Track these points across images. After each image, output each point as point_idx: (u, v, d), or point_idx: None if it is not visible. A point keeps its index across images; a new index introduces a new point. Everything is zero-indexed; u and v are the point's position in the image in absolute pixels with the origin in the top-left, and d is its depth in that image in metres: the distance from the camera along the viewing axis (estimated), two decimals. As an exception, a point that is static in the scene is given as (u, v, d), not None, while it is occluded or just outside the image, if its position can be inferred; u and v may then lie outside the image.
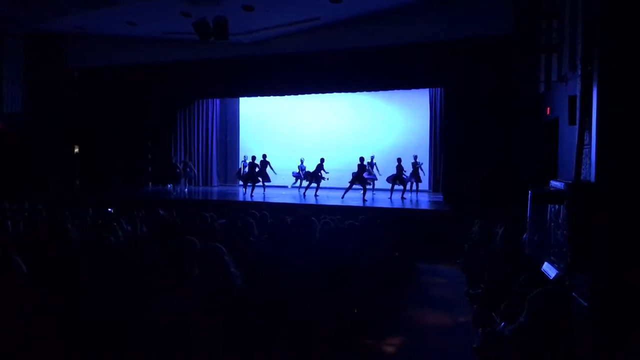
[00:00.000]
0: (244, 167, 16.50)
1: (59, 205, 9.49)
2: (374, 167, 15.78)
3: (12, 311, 2.35)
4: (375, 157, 16.06)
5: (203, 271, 3.33)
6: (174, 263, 3.51)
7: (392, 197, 14.54)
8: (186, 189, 16.87)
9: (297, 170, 16.87)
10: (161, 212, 7.89)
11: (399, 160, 14.85)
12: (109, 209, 9.09)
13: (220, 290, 3.13)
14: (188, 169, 17.40)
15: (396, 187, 14.90)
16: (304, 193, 15.28)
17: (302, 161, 16.73)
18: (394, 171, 14.95)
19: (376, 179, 15.61)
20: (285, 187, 17.35)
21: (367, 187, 14.64)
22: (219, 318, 2.94)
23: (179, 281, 3.33)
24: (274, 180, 16.34)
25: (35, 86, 15.78)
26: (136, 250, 2.68)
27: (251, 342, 3.03)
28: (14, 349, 2.26)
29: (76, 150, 16.46)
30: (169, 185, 17.26)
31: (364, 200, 13.60)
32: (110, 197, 13.96)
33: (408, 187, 15.05)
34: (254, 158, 15.93)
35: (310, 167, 15.88)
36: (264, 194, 15.48)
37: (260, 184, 15.85)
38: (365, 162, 14.60)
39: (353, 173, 14.39)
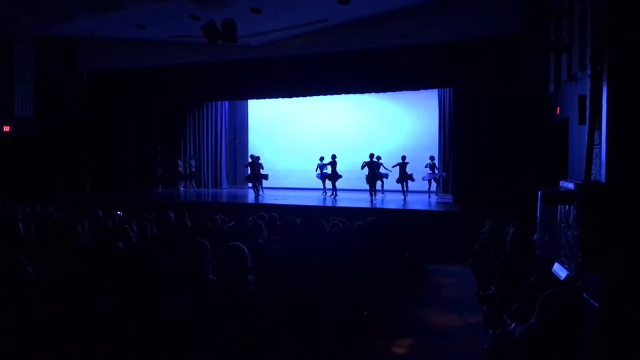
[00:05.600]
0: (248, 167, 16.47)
1: (70, 208, 9.54)
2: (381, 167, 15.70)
3: (19, 314, 2.37)
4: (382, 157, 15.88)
5: (220, 273, 3.32)
6: (185, 265, 3.52)
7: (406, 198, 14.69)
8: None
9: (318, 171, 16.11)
10: (171, 214, 7.92)
11: (403, 157, 14.92)
12: (118, 212, 9.12)
13: (233, 294, 3.13)
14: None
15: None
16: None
17: (322, 159, 16.00)
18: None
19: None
20: (294, 188, 17.34)
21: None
22: (229, 320, 2.95)
23: (190, 284, 3.34)
24: (282, 181, 16.31)
25: (45, 90, 15.86)
26: (147, 252, 2.69)
27: (260, 343, 3.03)
28: (18, 352, 2.28)
29: (86, 153, 16.57)
30: (181, 188, 17.33)
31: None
32: (120, 199, 14.03)
33: (400, 187, 15.10)
34: (252, 157, 16.12)
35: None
36: (259, 194, 15.65)
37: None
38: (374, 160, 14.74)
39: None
